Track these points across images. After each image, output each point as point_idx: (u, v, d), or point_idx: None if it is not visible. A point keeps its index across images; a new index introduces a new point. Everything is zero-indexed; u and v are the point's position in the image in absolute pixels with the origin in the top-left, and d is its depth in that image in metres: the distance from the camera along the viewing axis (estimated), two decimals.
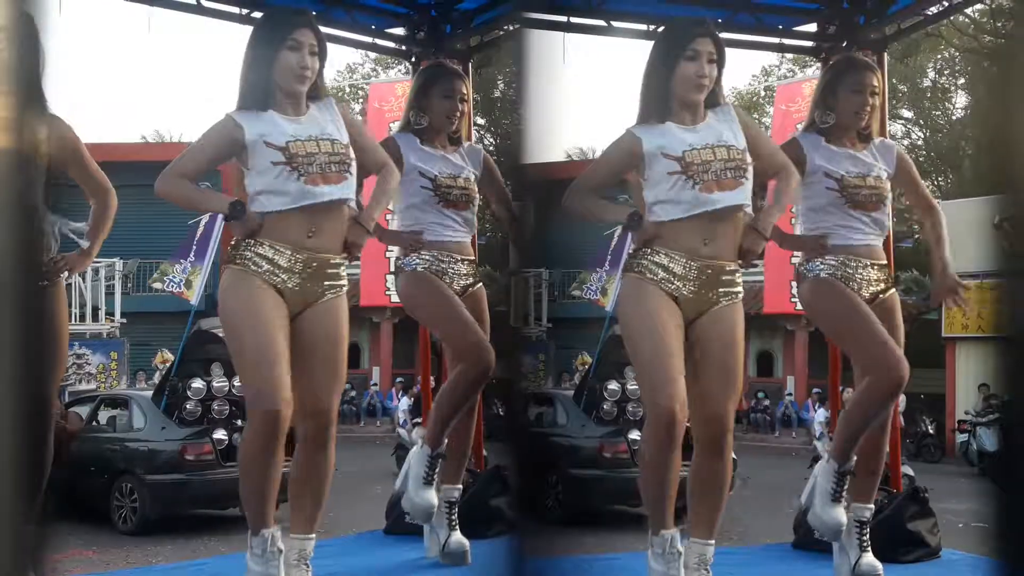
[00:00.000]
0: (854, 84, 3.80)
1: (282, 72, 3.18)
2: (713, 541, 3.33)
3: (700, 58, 3.27)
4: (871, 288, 3.76)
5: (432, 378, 5.47)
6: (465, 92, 4.21)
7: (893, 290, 3.87)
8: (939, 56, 24.04)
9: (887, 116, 4.86)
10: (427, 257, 3.98)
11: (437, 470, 4.09)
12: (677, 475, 3.26)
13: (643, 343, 3.24)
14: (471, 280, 4.09)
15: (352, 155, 3.24)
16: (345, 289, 3.29)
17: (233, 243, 3.20)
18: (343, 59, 30.89)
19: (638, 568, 3.43)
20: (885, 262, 3.87)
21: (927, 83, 25.00)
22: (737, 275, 3.34)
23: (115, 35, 48.09)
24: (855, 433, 3.79)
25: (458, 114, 4.12)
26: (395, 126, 4.42)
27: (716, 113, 3.36)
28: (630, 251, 3.38)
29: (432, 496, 4.06)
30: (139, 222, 22.65)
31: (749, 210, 3.30)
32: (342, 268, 3.29)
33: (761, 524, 4.05)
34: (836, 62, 4.15)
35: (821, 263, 3.77)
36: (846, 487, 3.85)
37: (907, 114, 25.73)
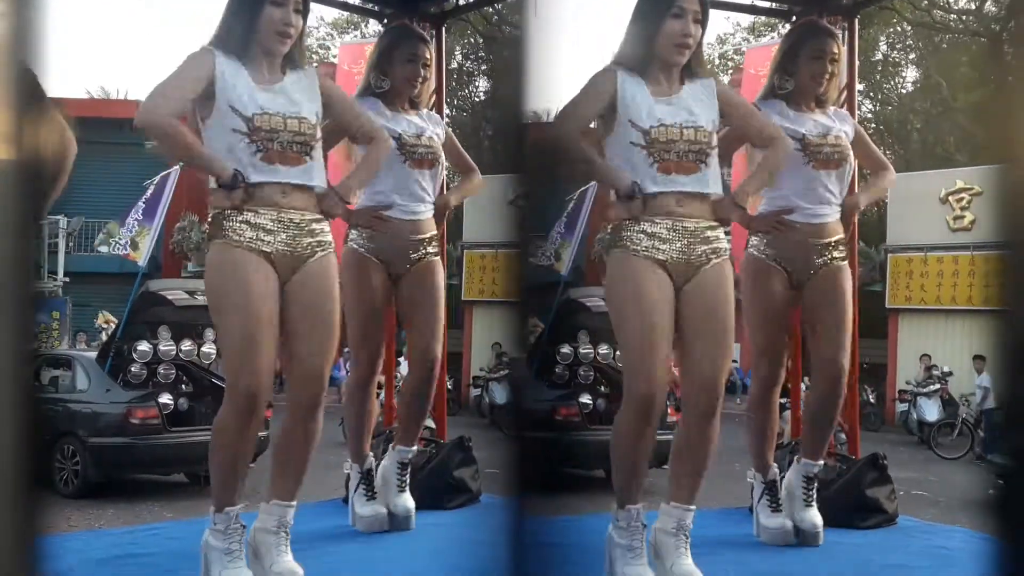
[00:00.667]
0: (814, 51, 3.81)
1: (264, 28, 3.04)
2: (694, 507, 3.29)
3: (686, 16, 3.17)
4: (811, 267, 3.86)
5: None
6: (429, 57, 4.13)
7: (841, 263, 3.89)
8: (891, 30, 24.24)
9: (855, 83, 4.86)
10: (375, 233, 3.93)
11: (374, 485, 4.18)
12: (649, 452, 3.24)
13: (629, 323, 3.17)
14: (420, 255, 4.04)
15: (319, 136, 3.12)
16: (332, 248, 3.20)
17: (212, 217, 3.08)
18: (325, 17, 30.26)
19: (598, 528, 3.41)
20: (838, 237, 3.90)
21: (879, 56, 25.22)
22: (720, 231, 3.27)
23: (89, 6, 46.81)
24: (812, 434, 4.00)
25: (420, 79, 4.05)
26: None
27: (694, 85, 3.26)
28: (610, 227, 3.28)
29: (378, 507, 4.14)
30: (84, 180, 22.26)
31: (714, 191, 3.22)
32: (326, 226, 3.19)
33: (705, 489, 4.11)
34: (797, 27, 4.17)
35: (766, 242, 3.83)
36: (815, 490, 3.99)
37: (859, 86, 25.98)
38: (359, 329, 4.02)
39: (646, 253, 3.18)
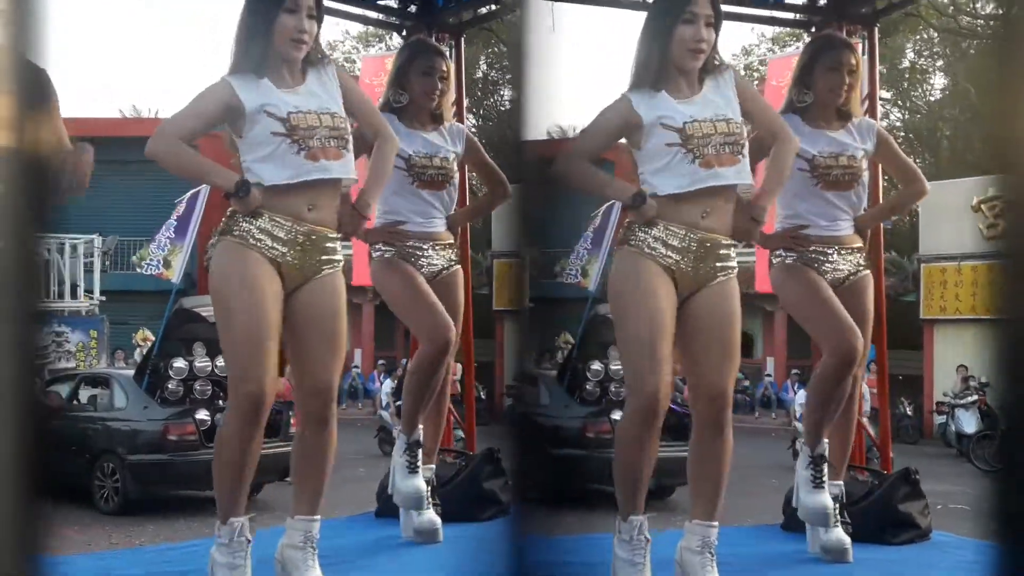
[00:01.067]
0: (831, 62, 3.80)
1: (279, 37, 3.06)
2: (716, 524, 3.24)
3: (698, 21, 3.16)
4: (838, 273, 3.83)
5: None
6: (446, 70, 4.13)
7: (865, 272, 3.89)
8: (918, 37, 24.10)
9: (876, 92, 4.85)
10: (397, 245, 3.98)
11: (419, 456, 4.10)
12: (652, 460, 3.20)
13: (635, 323, 3.14)
14: (444, 264, 4.08)
15: (349, 129, 3.15)
16: (342, 264, 3.21)
17: (229, 214, 3.09)
18: (324, 36, 30.58)
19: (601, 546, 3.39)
20: (858, 245, 3.90)
21: (906, 64, 25.06)
22: (732, 250, 3.27)
23: (89, 7, 47.48)
24: (819, 413, 3.85)
25: (438, 92, 4.05)
26: None
27: (715, 82, 3.25)
28: (625, 224, 3.27)
29: (418, 483, 4.07)
30: (118, 198, 22.49)
31: (748, 185, 3.22)
32: (339, 243, 3.20)
33: (741, 504, 4.11)
34: (813, 40, 4.18)
35: (789, 250, 3.82)
36: (825, 471, 3.90)
37: (885, 95, 25.81)
38: (412, 313, 3.99)
39: (656, 256, 3.17)
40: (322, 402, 3.14)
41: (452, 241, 4.16)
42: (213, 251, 3.11)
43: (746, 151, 3.22)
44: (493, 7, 5.33)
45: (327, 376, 3.14)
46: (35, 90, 1.95)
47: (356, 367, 23.18)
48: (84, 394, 10.28)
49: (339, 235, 3.19)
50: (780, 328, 22.07)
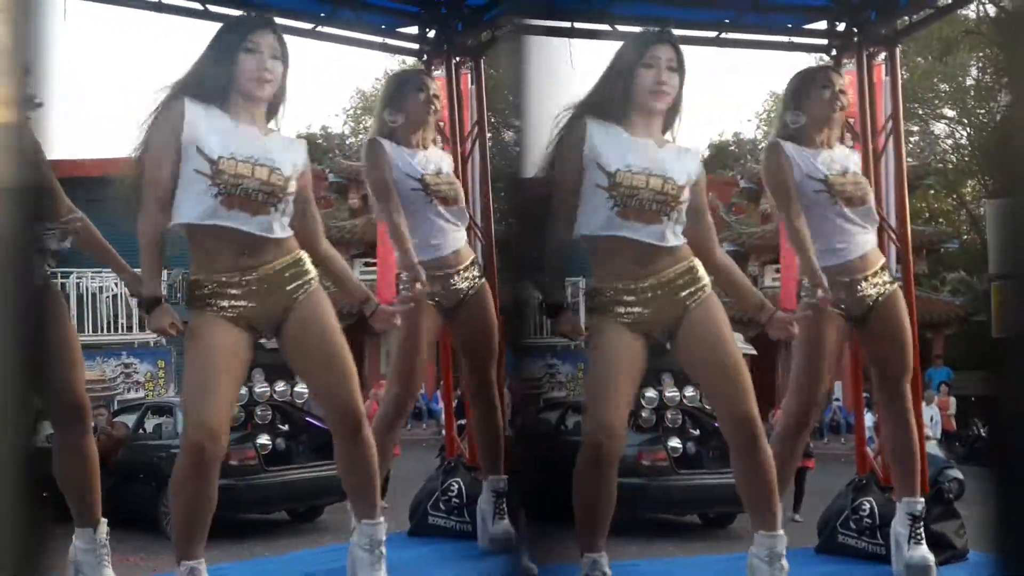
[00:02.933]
0: (823, 81, 3.85)
1: (242, 76, 3.04)
2: (779, 532, 3.30)
3: (658, 64, 3.23)
4: (867, 300, 3.84)
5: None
6: (436, 90, 4.17)
7: (893, 289, 3.89)
8: (981, 53, 23.67)
9: (899, 113, 4.84)
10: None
11: (503, 503, 4.20)
12: (607, 498, 3.28)
13: (594, 370, 3.29)
14: (467, 286, 4.10)
15: (290, 191, 3.08)
16: (315, 278, 3.17)
17: (188, 286, 3.11)
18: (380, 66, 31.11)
19: (657, 572, 3.44)
20: (881, 263, 3.91)
21: (970, 81, 24.62)
22: (693, 271, 3.27)
23: (132, 46, 48.70)
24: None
25: (432, 108, 4.06)
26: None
27: (677, 147, 3.31)
28: (588, 290, 3.37)
29: (507, 527, 4.20)
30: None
31: (664, 245, 3.24)
32: (301, 263, 3.14)
33: (810, 530, 4.20)
34: (800, 71, 4.17)
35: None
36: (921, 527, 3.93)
37: (950, 113, 25.36)
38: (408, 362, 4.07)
39: (616, 319, 3.25)
40: (351, 421, 3.21)
41: (473, 257, 4.20)
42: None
43: (678, 215, 3.23)
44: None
45: (344, 396, 3.19)
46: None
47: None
48: (150, 423, 10.56)
49: (295, 257, 3.13)
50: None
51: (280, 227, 3.08)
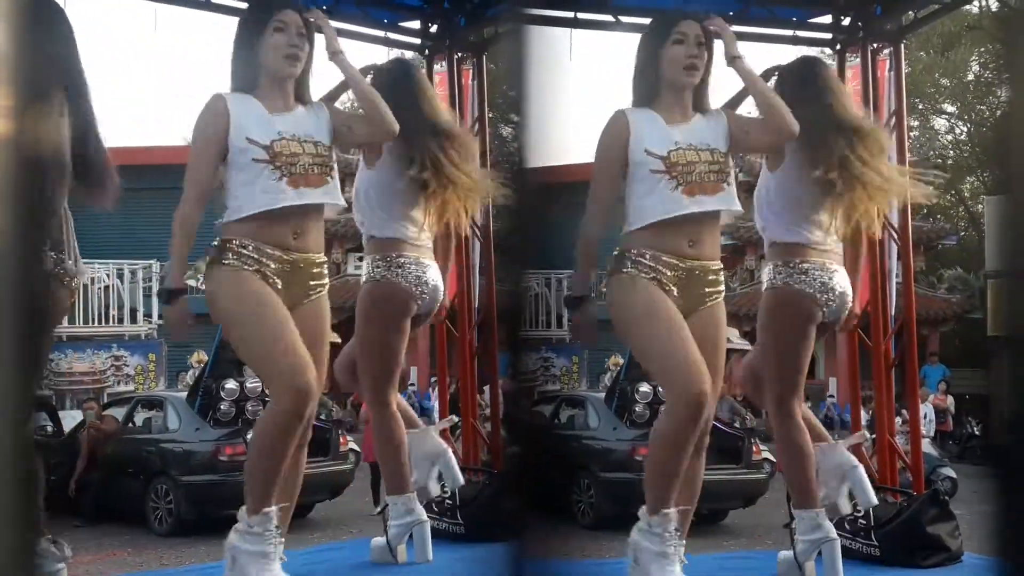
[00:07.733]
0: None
1: (272, 54, 3.15)
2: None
3: (688, 40, 3.24)
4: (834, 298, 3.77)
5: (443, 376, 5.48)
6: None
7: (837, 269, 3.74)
8: (982, 48, 23.61)
9: (903, 107, 4.78)
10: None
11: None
12: (690, 456, 3.26)
13: (656, 328, 3.19)
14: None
15: (335, 158, 3.24)
16: (327, 288, 3.31)
17: (217, 244, 3.18)
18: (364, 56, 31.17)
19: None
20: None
21: (971, 77, 24.55)
22: (720, 274, 3.33)
23: (148, 38, 48.71)
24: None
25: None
26: None
27: (705, 117, 3.34)
28: (614, 255, 3.34)
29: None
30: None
31: (735, 210, 3.28)
32: (325, 267, 3.30)
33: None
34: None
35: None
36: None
37: (950, 108, 25.29)
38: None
39: (653, 277, 3.22)
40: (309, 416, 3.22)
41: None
42: (209, 280, 3.17)
43: (731, 179, 3.27)
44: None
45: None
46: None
47: (412, 385, 23.25)
48: (139, 417, 10.47)
49: (325, 259, 3.29)
50: (843, 348, 21.65)
51: (340, 194, 3.24)
